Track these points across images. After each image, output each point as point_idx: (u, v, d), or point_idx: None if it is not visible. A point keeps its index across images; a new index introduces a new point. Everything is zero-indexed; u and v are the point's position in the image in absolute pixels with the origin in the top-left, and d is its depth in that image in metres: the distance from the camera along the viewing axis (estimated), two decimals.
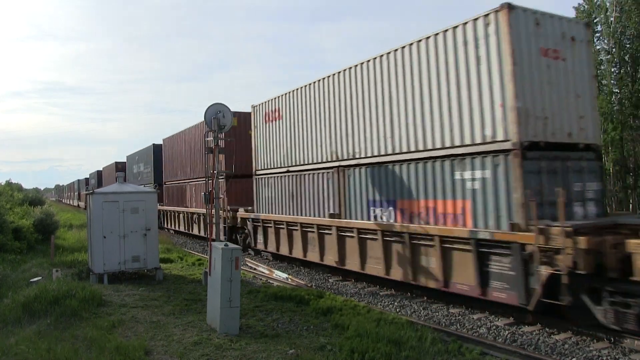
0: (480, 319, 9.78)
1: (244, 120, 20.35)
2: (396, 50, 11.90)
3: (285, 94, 16.64)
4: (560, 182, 9.51)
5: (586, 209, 9.95)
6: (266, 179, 17.93)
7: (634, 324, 7.69)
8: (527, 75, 9.42)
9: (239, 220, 19.60)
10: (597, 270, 7.99)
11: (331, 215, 13.98)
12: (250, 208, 18.96)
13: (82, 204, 60.23)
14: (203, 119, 13.56)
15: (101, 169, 57.60)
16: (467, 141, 10.03)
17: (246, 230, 19.23)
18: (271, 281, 14.20)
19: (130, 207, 13.94)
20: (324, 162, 14.63)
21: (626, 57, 29.51)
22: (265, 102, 17.96)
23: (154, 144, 33.59)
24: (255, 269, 16.33)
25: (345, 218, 13.60)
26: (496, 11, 9.46)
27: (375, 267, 12.46)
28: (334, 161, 14.17)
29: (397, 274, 11.78)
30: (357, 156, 13.25)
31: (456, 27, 10.32)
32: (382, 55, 12.37)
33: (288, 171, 16.50)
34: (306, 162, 15.62)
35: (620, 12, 29.01)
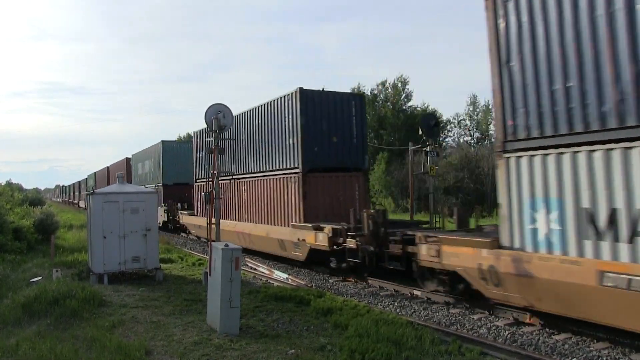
0: (480, 319, 9.79)
1: None
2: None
3: None
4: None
5: None
6: None
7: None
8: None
9: None
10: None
11: None
12: None
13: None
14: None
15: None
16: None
17: None
18: (271, 281, 14.21)
19: (130, 207, 13.92)
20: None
21: None
22: None
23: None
24: (255, 269, 16.34)
25: None
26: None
27: None
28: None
29: None
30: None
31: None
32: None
33: None
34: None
35: None
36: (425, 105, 54.14)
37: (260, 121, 17.80)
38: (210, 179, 13.32)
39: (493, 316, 9.89)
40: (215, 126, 13.08)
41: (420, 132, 17.13)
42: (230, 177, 19.72)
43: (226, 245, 8.91)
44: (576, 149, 7.74)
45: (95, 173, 61.17)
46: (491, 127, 39.57)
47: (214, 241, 11.76)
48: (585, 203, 7.60)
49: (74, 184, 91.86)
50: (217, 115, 13.20)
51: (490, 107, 63.40)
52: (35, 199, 40.73)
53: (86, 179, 71.84)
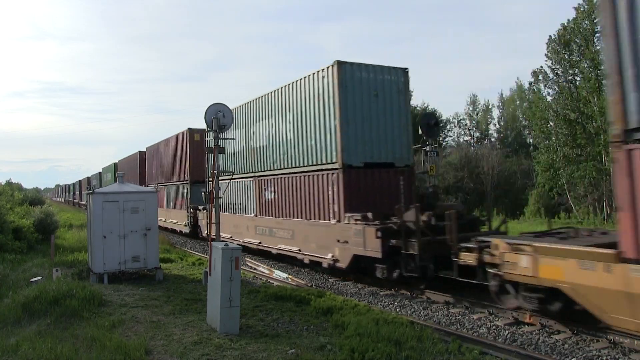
0: (480, 318, 9.79)
1: None
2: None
3: None
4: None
5: None
6: None
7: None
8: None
9: None
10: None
11: None
12: None
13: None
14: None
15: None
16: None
17: None
18: (271, 281, 14.22)
19: (130, 207, 13.93)
20: None
21: None
22: None
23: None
24: (255, 268, 16.35)
25: None
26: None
27: None
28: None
29: None
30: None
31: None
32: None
33: None
34: None
35: None
36: (425, 104, 54.12)
37: None
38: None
39: (493, 316, 9.89)
40: (215, 126, 13.06)
41: (420, 132, 17.12)
42: None
43: (226, 245, 8.92)
44: None
45: (115, 163, 44.29)
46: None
47: (214, 240, 11.75)
48: None
49: (80, 180, 74.30)
50: (217, 115, 13.19)
51: (489, 106, 63.07)
52: (35, 198, 40.73)
53: (99, 173, 54.41)
